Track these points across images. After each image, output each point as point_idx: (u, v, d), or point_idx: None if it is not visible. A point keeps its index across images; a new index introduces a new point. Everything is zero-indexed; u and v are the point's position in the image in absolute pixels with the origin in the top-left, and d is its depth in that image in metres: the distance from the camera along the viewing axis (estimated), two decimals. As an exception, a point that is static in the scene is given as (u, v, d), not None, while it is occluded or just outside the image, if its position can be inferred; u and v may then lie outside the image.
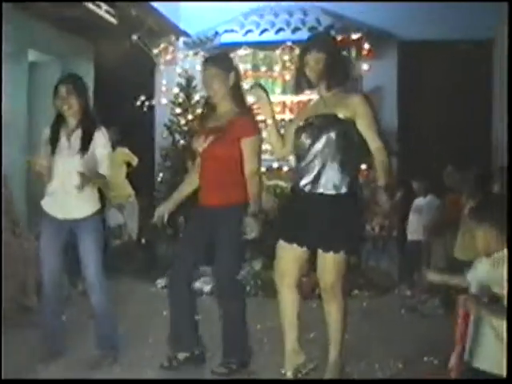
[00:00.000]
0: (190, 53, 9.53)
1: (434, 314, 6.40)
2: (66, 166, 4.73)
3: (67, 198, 4.73)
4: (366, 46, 8.92)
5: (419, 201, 7.68)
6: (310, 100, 4.46)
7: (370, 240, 7.96)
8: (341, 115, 4.13)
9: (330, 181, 4.12)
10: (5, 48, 7.56)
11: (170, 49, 9.57)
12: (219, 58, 4.89)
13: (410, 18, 9.20)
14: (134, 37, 8.87)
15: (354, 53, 9.01)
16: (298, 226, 4.17)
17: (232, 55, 9.18)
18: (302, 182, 4.20)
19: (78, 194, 4.66)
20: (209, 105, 4.77)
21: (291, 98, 9.41)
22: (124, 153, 8.69)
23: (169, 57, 9.55)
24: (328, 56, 4.17)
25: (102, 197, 4.96)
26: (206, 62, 4.82)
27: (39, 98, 8.33)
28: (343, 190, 4.12)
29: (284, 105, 9.40)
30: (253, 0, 9.61)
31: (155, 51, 9.48)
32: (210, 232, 4.58)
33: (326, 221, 4.09)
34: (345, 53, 8.44)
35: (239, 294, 4.70)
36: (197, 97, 9.05)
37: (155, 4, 8.51)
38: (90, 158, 4.75)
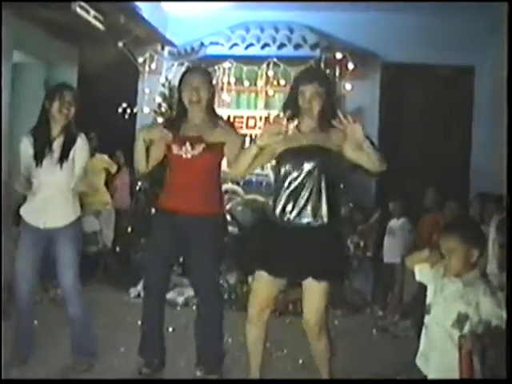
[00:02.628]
0: (175, 63, 9.52)
1: (406, 335, 6.42)
2: (48, 175, 4.70)
3: (48, 207, 4.70)
4: (350, 65, 8.97)
5: (393, 222, 7.68)
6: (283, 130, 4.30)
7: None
8: (325, 145, 4.13)
9: (316, 210, 4.10)
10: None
11: (155, 58, 9.56)
12: (205, 70, 5.12)
13: (395, 40, 9.27)
14: (120, 44, 8.86)
15: (337, 72, 9.05)
16: (281, 257, 4.12)
17: (216, 67, 9.29)
18: (286, 211, 4.15)
19: (59, 203, 4.65)
20: (182, 113, 4.78)
21: (274, 113, 9.43)
22: (103, 159, 8.63)
23: (153, 66, 9.53)
24: (325, 91, 4.16)
25: (82, 204, 4.93)
26: (195, 69, 5.03)
27: (22, 100, 8.29)
28: (329, 219, 4.11)
29: (266, 119, 9.41)
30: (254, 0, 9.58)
31: (140, 59, 9.47)
32: (183, 240, 4.61)
33: (313, 251, 4.07)
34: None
35: (219, 301, 4.83)
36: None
37: (144, 12, 8.50)
38: (69, 167, 4.73)
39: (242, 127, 9.41)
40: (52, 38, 9.03)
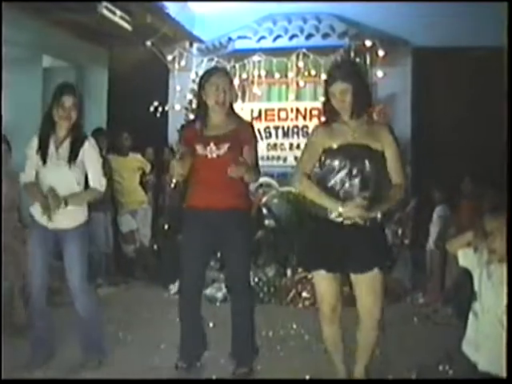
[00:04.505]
0: (204, 59, 9.53)
1: (448, 323, 6.35)
2: (54, 176, 4.74)
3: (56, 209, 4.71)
4: (381, 52, 8.89)
5: (436, 210, 7.65)
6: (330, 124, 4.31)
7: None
8: (373, 146, 4.09)
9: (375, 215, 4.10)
10: (19, 52, 7.60)
11: (184, 55, 9.58)
12: (227, 71, 5.20)
13: (424, 25, 9.15)
14: (148, 43, 8.90)
15: (368, 59, 8.99)
16: (337, 254, 4.09)
17: (246, 61, 9.28)
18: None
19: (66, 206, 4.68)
20: (204, 113, 4.76)
21: (305, 105, 9.41)
22: (137, 159, 8.70)
23: (183, 63, 9.56)
24: (353, 86, 4.09)
25: (90, 207, 4.95)
26: (218, 71, 4.98)
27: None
28: (376, 215, 4.11)
29: (298, 111, 9.39)
30: (271, 0, 9.55)
31: (169, 57, 9.50)
32: (217, 236, 4.64)
33: (363, 244, 4.07)
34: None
35: (251, 297, 4.84)
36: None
37: (170, 10, 8.52)
38: (78, 168, 4.76)
39: (273, 119, 9.41)
40: (81, 40, 9.09)
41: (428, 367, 4.82)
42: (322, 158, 4.20)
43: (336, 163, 4.12)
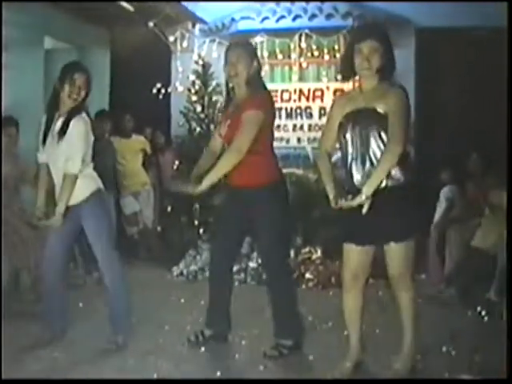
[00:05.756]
0: (207, 40, 9.48)
1: (450, 304, 6.35)
2: (49, 153, 4.74)
3: (60, 185, 4.71)
4: (384, 33, 8.84)
5: (442, 191, 7.65)
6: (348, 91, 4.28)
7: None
8: (380, 109, 4.00)
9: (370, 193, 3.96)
10: (20, 34, 7.56)
11: (187, 36, 9.53)
12: (245, 43, 5.16)
13: (427, 5, 9.10)
14: (151, 24, 8.85)
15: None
16: (363, 225, 4.05)
17: (249, 42, 9.23)
18: (355, 179, 4.07)
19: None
20: (229, 92, 4.82)
21: (308, 86, 9.38)
22: (140, 140, 8.69)
23: (185, 44, 9.51)
24: (383, 46, 4.05)
25: (103, 178, 4.93)
26: (232, 44, 4.96)
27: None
28: (399, 180, 4.02)
29: (301, 92, 9.36)
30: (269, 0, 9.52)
31: (171, 38, 9.45)
32: (248, 215, 4.64)
33: (392, 213, 4.00)
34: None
35: (289, 276, 4.88)
36: (213, 84, 8.99)
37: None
38: (66, 144, 4.64)
39: (276, 101, 9.37)
40: (82, 22, 9.04)
41: (431, 348, 4.80)
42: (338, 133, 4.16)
43: (347, 135, 4.08)
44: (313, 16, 9.10)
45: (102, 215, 4.81)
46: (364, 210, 3.92)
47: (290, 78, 9.53)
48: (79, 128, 4.66)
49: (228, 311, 4.90)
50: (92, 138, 4.82)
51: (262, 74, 9.26)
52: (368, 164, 4.04)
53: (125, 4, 8.05)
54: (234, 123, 4.57)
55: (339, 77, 4.32)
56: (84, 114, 4.75)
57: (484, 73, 9.09)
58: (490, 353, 4.59)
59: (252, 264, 7.33)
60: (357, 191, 3.96)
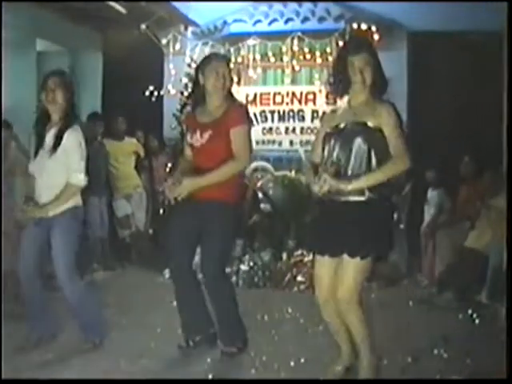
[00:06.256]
0: (199, 43, 9.49)
1: (442, 306, 6.37)
2: (39, 165, 4.74)
3: (43, 196, 4.73)
4: (376, 36, 8.87)
5: (430, 192, 7.68)
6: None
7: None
8: (370, 123, 3.99)
9: (359, 187, 3.95)
10: (12, 36, 7.55)
11: (179, 38, 9.54)
12: (227, 57, 5.25)
13: (420, 9, 9.12)
14: (143, 26, 8.85)
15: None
16: (327, 235, 4.06)
17: (241, 45, 9.25)
18: (332, 189, 4.00)
19: (50, 194, 4.67)
20: (200, 98, 4.77)
21: (300, 89, 9.39)
22: (132, 143, 8.68)
23: (178, 46, 9.51)
24: (374, 60, 4.05)
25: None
26: (219, 56, 5.02)
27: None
28: (371, 195, 3.97)
29: (293, 95, 9.38)
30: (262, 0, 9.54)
31: (164, 41, 9.45)
32: (201, 225, 4.63)
33: (354, 226, 3.96)
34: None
35: (228, 283, 4.89)
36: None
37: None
38: (59, 159, 4.67)
39: (269, 103, 9.40)
40: (75, 24, 9.03)
41: (423, 351, 4.82)
42: (323, 144, 4.15)
43: (331, 144, 4.07)
44: (305, 19, 9.14)
45: (72, 232, 4.80)
46: (324, 188, 3.91)
47: (283, 81, 9.54)
48: (73, 141, 4.70)
49: (206, 310, 4.86)
50: (85, 151, 4.82)
51: (255, 76, 9.44)
52: (350, 176, 3.99)
53: (117, 6, 8.05)
54: (219, 137, 4.57)
55: (329, 89, 4.27)
56: (77, 126, 4.78)
57: (477, 77, 9.13)
58: (481, 356, 4.61)
59: (244, 267, 7.34)
60: (330, 201, 4.00)
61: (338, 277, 4.05)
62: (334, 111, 4.25)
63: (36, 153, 4.79)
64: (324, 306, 4.20)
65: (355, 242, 3.97)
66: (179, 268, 4.78)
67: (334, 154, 4.05)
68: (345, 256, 4.00)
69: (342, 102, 4.19)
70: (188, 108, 5.14)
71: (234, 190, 4.71)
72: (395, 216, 8.01)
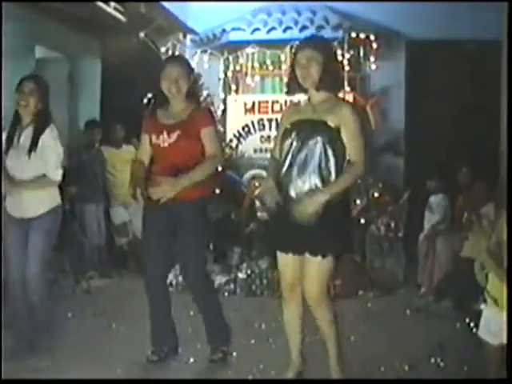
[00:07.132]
0: (198, 50, 9.50)
1: (439, 315, 6.36)
2: (17, 165, 4.80)
3: (20, 198, 4.78)
4: (375, 45, 8.89)
5: (431, 199, 7.69)
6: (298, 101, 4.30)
7: (375, 240, 7.96)
8: (330, 122, 3.99)
9: (315, 186, 3.98)
10: (11, 43, 7.55)
11: (178, 46, 9.54)
12: (183, 59, 5.19)
13: (418, 18, 9.14)
14: (142, 34, 8.86)
15: (362, 52, 9.00)
16: (287, 233, 4.09)
17: (239, 53, 9.26)
18: (289, 187, 4.05)
19: (29, 194, 4.72)
20: (163, 102, 4.80)
21: (299, 97, 9.38)
22: (130, 151, 8.66)
23: (176, 54, 9.51)
24: (322, 57, 4.00)
25: (63, 194, 5.05)
26: (175, 59, 5.19)
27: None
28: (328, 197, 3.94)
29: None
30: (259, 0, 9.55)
31: (163, 49, 9.45)
32: (175, 226, 4.66)
33: (315, 225, 3.93)
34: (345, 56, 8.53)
35: (210, 280, 5.01)
36: (204, 94, 9.00)
37: (164, 2, 8.48)
38: (38, 157, 4.78)
39: (267, 112, 9.40)
40: (74, 31, 9.03)
41: (420, 359, 4.82)
42: (282, 139, 4.17)
43: (288, 141, 4.09)
44: (303, 28, 9.12)
45: (52, 232, 4.88)
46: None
47: (281, 89, 9.53)
48: (51, 140, 4.83)
49: (173, 322, 4.92)
50: (61, 150, 4.92)
51: (253, 85, 9.43)
52: (306, 174, 4.01)
53: (116, 14, 8.05)
54: (188, 136, 4.61)
55: (285, 89, 4.32)
56: (53, 126, 4.89)
57: (475, 86, 9.14)
58: (478, 364, 4.60)
59: (241, 275, 7.34)
60: (288, 199, 4.02)
61: (303, 276, 4.08)
62: (295, 105, 4.28)
63: (6, 153, 4.85)
64: (287, 304, 4.23)
65: (316, 241, 3.99)
66: (154, 280, 4.81)
67: (291, 151, 4.07)
68: (307, 254, 4.03)
69: (303, 100, 4.20)
70: (145, 113, 5.10)
71: (209, 187, 4.90)
72: (392, 225, 8.06)
